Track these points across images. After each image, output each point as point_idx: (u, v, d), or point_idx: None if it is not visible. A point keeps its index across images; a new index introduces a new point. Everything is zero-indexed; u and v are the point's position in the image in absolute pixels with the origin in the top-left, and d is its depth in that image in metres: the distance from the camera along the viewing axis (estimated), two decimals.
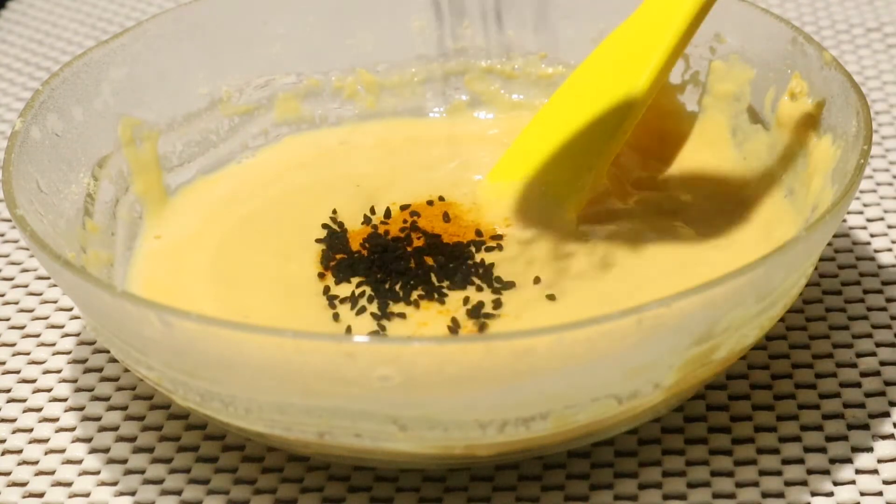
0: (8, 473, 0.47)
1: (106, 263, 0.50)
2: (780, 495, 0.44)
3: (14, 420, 0.49)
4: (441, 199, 0.54)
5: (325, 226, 0.53)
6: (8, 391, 0.50)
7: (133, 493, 0.46)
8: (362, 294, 0.49)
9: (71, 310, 0.54)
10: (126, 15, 0.77)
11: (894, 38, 0.70)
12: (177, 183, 0.55)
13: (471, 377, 0.40)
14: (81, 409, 0.49)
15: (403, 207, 0.54)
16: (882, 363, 0.49)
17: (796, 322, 0.51)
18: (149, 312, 0.41)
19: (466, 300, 0.48)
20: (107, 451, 0.48)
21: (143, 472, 0.47)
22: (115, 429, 0.48)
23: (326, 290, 0.50)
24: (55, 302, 0.55)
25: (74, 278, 0.43)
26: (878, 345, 0.50)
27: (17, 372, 0.51)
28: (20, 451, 0.48)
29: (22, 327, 0.54)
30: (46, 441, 0.48)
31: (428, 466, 0.45)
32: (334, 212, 0.54)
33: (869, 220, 0.56)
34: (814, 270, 0.49)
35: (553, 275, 0.49)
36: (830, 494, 0.44)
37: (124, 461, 0.47)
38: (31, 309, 0.54)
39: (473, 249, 0.51)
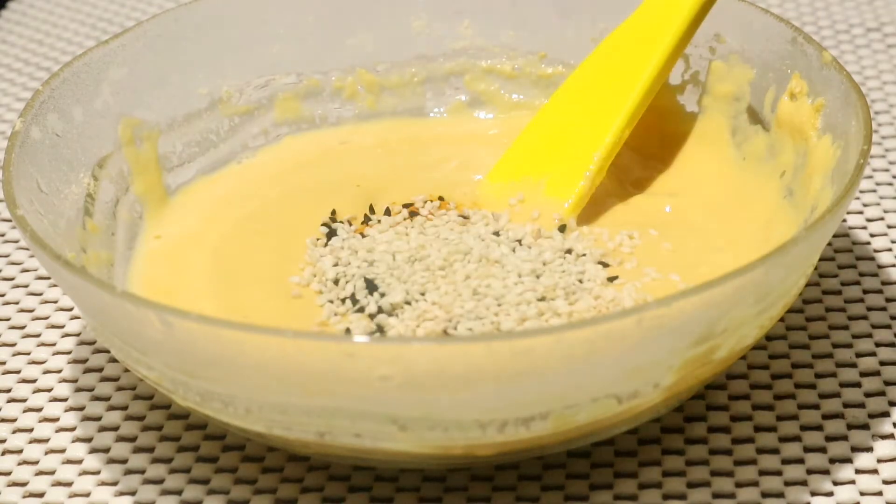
0: (8, 473, 0.47)
1: (106, 263, 0.50)
2: (780, 495, 0.44)
3: (14, 420, 0.49)
4: (441, 199, 0.54)
5: (325, 226, 0.53)
6: (8, 391, 0.50)
7: (133, 493, 0.46)
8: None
9: (71, 310, 0.54)
10: (126, 15, 0.77)
11: (894, 38, 0.70)
12: (177, 183, 0.55)
13: (471, 377, 0.40)
14: (81, 409, 0.49)
15: (403, 207, 0.54)
16: (882, 363, 0.49)
17: (796, 322, 0.51)
18: (149, 312, 0.41)
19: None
20: (107, 451, 0.48)
21: (143, 471, 0.47)
22: (115, 429, 0.48)
23: None
24: (55, 302, 0.55)
25: (74, 278, 0.43)
26: (877, 345, 0.50)
27: (18, 372, 0.51)
28: (20, 451, 0.48)
29: (22, 327, 0.54)
30: (47, 441, 0.48)
31: (428, 466, 0.45)
32: (334, 212, 0.54)
33: (869, 220, 0.56)
34: (814, 270, 0.49)
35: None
36: (830, 494, 0.44)
37: (124, 461, 0.47)
38: (32, 309, 0.54)
39: None
